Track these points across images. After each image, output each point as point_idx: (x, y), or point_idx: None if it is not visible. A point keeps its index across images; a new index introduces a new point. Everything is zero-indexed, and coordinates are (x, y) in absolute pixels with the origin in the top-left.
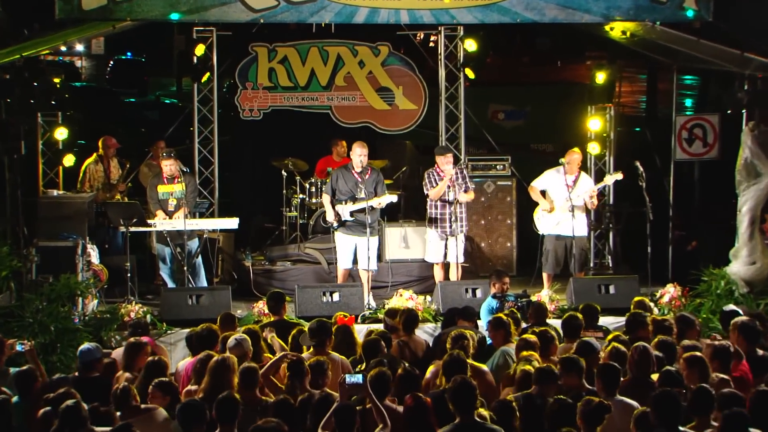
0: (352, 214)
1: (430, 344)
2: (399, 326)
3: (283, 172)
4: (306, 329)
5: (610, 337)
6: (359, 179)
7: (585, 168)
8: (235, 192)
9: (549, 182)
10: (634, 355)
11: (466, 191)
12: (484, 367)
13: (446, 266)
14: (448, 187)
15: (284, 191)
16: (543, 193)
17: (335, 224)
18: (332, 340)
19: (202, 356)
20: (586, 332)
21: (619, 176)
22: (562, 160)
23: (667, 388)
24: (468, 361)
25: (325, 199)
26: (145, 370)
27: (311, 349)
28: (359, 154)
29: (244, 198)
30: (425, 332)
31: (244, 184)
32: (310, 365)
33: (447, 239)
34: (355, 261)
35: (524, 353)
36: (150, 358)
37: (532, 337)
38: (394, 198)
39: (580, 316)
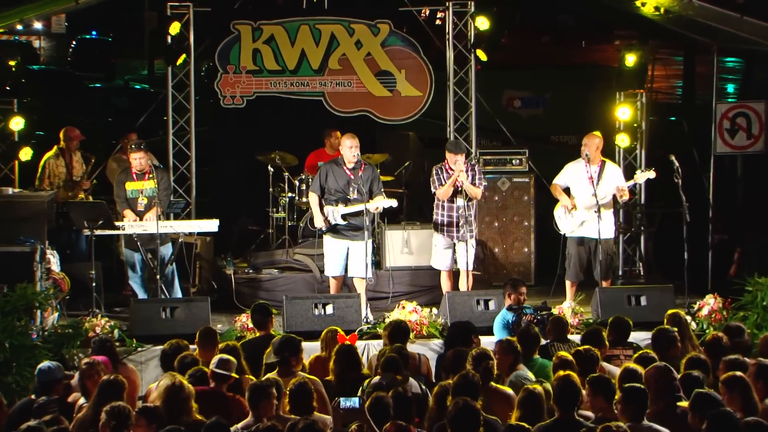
0: (344, 217)
1: (432, 362)
2: (385, 339)
3: (269, 167)
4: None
5: (636, 355)
6: (351, 176)
7: (613, 161)
8: (215, 190)
9: (571, 177)
10: (656, 376)
11: (477, 187)
12: (510, 392)
13: (455, 274)
14: (458, 189)
15: (271, 189)
16: (567, 191)
17: (324, 229)
18: (300, 359)
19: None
20: (614, 350)
21: (651, 174)
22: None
23: (724, 409)
24: (492, 384)
25: (312, 199)
26: (98, 392)
27: (275, 369)
28: (350, 146)
29: (225, 197)
30: (431, 350)
31: (224, 181)
32: (290, 389)
33: (455, 245)
34: (346, 269)
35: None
36: (105, 377)
37: (568, 356)
38: (393, 203)
39: (604, 332)
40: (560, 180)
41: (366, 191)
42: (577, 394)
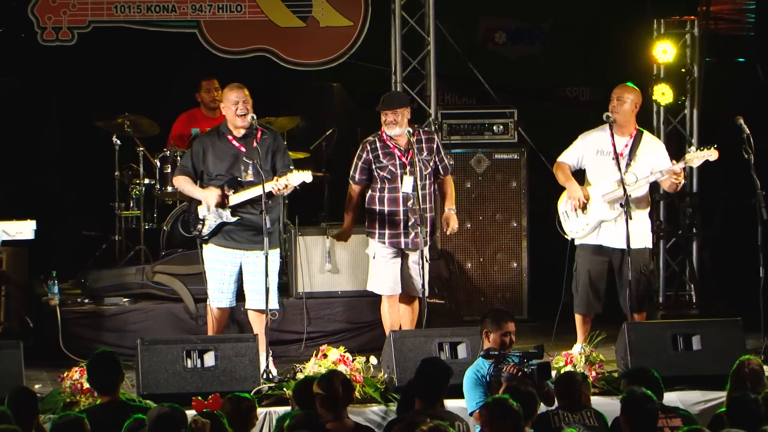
0: (234, 211)
1: None
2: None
3: (114, 139)
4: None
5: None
6: (242, 149)
7: (650, 128)
8: (29, 175)
9: (588, 153)
10: None
11: (444, 173)
12: None
13: (406, 302)
14: (404, 169)
15: (117, 173)
16: (581, 175)
17: (207, 225)
18: None
19: None
20: None
21: (712, 155)
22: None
23: None
24: None
25: (181, 182)
26: None
27: None
28: (234, 102)
29: (46, 186)
30: (368, 420)
31: (44, 161)
32: None
33: (403, 257)
34: (240, 295)
35: None
36: None
37: None
38: (307, 177)
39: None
40: (570, 157)
41: (267, 169)
42: None
